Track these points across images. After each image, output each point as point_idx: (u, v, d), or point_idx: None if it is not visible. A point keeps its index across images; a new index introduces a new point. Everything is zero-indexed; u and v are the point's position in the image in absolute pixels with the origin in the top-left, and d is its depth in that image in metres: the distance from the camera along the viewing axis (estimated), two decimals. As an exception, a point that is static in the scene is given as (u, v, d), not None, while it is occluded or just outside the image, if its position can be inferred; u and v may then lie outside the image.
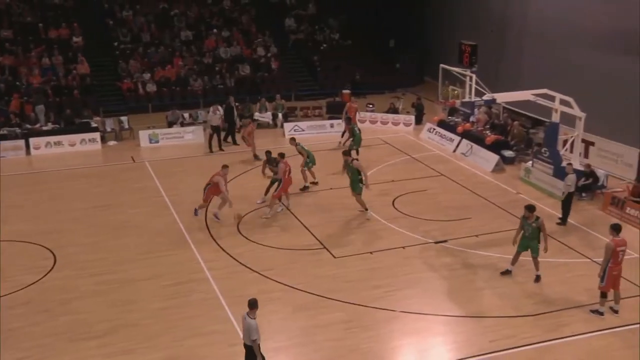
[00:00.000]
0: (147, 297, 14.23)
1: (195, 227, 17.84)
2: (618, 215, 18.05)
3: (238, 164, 23.01)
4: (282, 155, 19.08)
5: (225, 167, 18.28)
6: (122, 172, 22.62)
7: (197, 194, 20.07)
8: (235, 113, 26.02)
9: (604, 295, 13.40)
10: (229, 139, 25.71)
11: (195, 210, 18.40)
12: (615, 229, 13.33)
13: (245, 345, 10.88)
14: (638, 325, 13.06)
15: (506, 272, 15.20)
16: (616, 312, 13.49)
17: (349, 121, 24.34)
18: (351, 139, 23.22)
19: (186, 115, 28.03)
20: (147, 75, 31.36)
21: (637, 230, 17.45)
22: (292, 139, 21.25)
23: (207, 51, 33.42)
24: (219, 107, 25.46)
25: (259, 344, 10.65)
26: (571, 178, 17.70)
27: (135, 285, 14.74)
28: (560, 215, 17.97)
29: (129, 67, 31.70)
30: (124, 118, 27.22)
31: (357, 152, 22.39)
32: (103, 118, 27.44)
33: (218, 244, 16.79)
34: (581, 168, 20.04)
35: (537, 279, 14.89)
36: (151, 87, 30.99)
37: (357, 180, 18.16)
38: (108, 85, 31.44)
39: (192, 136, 26.10)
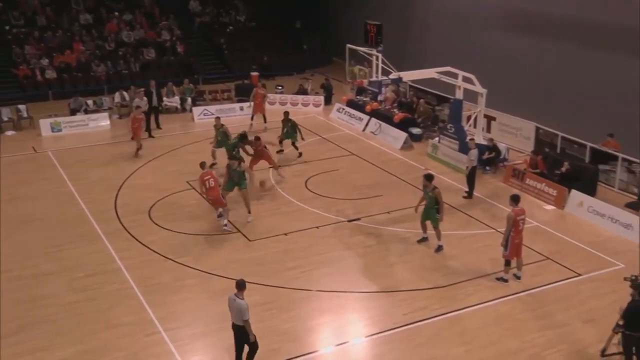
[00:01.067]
0: (58, 292, 13.77)
1: (105, 216, 17.36)
2: (519, 187, 18.96)
3: (160, 148, 22.64)
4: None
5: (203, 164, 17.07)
6: (23, 163, 21.63)
7: (105, 183, 19.60)
8: (155, 98, 25.09)
9: (507, 263, 14.10)
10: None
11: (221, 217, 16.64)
12: (515, 199, 14.00)
13: (236, 326, 10.93)
14: (538, 289, 13.85)
15: (422, 240, 15.75)
16: (519, 278, 14.23)
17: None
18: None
19: (90, 102, 27.10)
20: (45, 61, 29.99)
21: (536, 200, 18.40)
22: (217, 118, 21.47)
23: (108, 35, 32.29)
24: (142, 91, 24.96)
25: (249, 323, 10.72)
26: (473, 153, 18.41)
27: (45, 280, 14.23)
28: (467, 189, 18.67)
29: (24, 52, 30.19)
30: (22, 106, 25.94)
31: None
32: (-1, 107, 26.07)
33: (129, 233, 16.42)
34: (485, 143, 20.87)
35: (438, 248, 15.47)
36: (50, 74, 29.67)
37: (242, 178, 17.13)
38: (2, 72, 29.84)
39: (97, 123, 25.27)
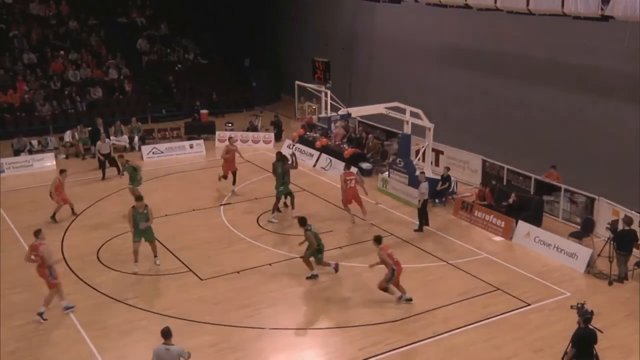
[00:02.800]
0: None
1: (50, 260, 16.84)
2: (468, 219, 19.28)
3: (108, 188, 22.12)
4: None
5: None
6: (-37, 206, 20.93)
7: (51, 224, 19.07)
8: (102, 135, 24.89)
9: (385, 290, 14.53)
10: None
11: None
12: (377, 240, 14.75)
13: None
14: (490, 320, 14.01)
15: (312, 277, 15.80)
16: (410, 300, 14.60)
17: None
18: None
19: (34, 142, 26.52)
20: (-13, 101, 29.31)
21: (485, 232, 18.72)
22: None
23: (54, 74, 31.81)
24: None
25: None
26: (424, 186, 18.68)
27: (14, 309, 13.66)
28: (417, 222, 18.86)
29: (-35, 93, 29.48)
30: (-37, 147, 25.25)
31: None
32: (-62, 148, 25.27)
33: (77, 275, 15.98)
34: (434, 176, 21.25)
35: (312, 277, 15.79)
36: (-7, 114, 29.00)
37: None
38: (-58, 113, 29.02)
39: (42, 164, 24.73)
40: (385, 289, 14.59)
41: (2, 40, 32.61)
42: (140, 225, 15.86)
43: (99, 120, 25.28)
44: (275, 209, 19.47)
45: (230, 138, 23.41)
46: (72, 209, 20.12)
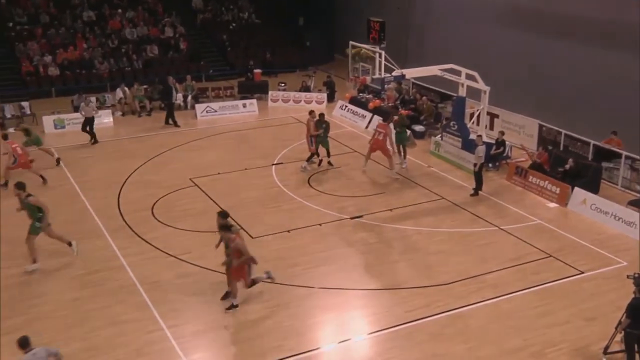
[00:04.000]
0: (60, 289, 13.80)
1: (107, 213, 17.38)
2: (522, 184, 18.92)
3: (162, 145, 22.59)
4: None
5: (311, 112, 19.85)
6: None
7: (108, 180, 19.62)
8: (174, 93, 25.68)
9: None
10: (170, 120, 25.11)
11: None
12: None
13: None
14: (540, 287, 13.82)
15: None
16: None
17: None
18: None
19: (93, 99, 27.07)
20: (48, 58, 30.00)
21: (539, 198, 18.36)
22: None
23: (112, 32, 32.29)
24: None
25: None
26: (481, 149, 18.34)
27: (45, 277, 14.24)
28: (474, 186, 18.59)
29: (27, 49, 30.21)
30: (25, 103, 25.96)
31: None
32: (1, 104, 26.02)
33: (132, 230, 16.44)
34: (488, 140, 20.84)
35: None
36: (53, 71, 29.69)
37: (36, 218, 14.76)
38: (5, 69, 29.85)
39: (100, 120, 25.27)
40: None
41: (63, -3, 33.23)
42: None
43: (170, 78, 25.74)
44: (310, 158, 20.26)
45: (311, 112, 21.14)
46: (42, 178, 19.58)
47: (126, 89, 27.03)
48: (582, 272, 14.40)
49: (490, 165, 20.42)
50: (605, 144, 19.53)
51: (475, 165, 18.48)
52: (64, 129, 24.74)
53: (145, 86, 27.01)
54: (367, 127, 24.66)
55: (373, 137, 20.02)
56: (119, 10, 33.39)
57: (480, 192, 18.56)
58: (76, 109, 25.88)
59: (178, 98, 27.06)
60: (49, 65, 29.73)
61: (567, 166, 18.49)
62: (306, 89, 28.85)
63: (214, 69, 32.65)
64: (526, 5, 24.66)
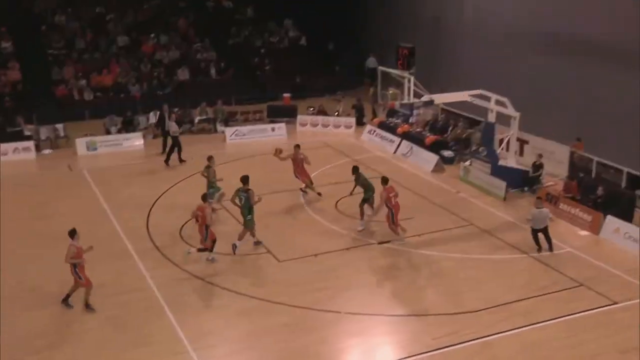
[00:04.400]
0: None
1: (136, 235, 17.54)
2: (553, 211, 18.57)
3: (191, 168, 22.82)
4: (385, 180, 17.15)
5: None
6: (59, 181, 22.02)
7: (137, 201, 19.83)
8: (168, 122, 24.28)
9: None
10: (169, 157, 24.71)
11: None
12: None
13: None
14: (572, 316, 13.53)
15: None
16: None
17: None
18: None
19: (118, 120, 27.45)
20: (83, 82, 30.65)
21: (570, 225, 18.05)
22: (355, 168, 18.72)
23: (144, 56, 32.89)
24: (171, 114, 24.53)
25: None
26: (546, 212, 16.51)
27: (75, 298, 14.35)
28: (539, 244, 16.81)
29: (63, 73, 30.90)
30: (59, 126, 26.46)
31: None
32: (37, 126, 26.56)
33: (160, 252, 16.55)
34: (517, 166, 20.66)
35: (233, 247, 16.05)
36: (88, 95, 30.29)
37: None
38: (41, 92, 30.51)
39: (131, 143, 25.68)
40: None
41: (99, 24, 33.97)
42: None
43: (164, 106, 25.46)
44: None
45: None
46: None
47: (159, 113, 27.35)
48: (615, 303, 14.06)
49: (526, 189, 20.18)
50: (571, 149, 20.52)
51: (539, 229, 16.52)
52: (96, 150, 25.14)
53: (176, 109, 27.27)
54: (395, 152, 24.63)
55: (390, 204, 17.00)
56: (152, 35, 34.02)
57: (510, 219, 18.29)
58: (107, 131, 26.33)
59: (171, 126, 24.00)
60: (83, 89, 30.35)
61: (598, 193, 18.18)
62: (323, 112, 28.85)
63: (244, 93, 32.94)
64: (555, 30, 24.49)
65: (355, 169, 18.44)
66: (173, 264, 15.90)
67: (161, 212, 19.23)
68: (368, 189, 18.06)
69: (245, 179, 16.59)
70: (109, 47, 33.03)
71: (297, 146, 20.40)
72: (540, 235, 16.43)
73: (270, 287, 14.71)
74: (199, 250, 15.96)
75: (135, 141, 25.92)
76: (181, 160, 23.75)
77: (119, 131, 26.47)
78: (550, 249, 16.45)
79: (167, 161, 23.63)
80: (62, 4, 34.14)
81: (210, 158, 19.25)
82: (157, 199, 20.15)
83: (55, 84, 30.48)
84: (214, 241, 15.88)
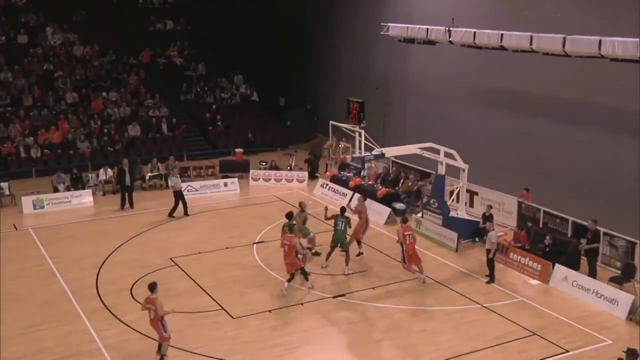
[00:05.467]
0: (32, 375, 13.35)
1: (85, 295, 17.04)
2: (503, 261, 18.93)
3: (143, 225, 22.50)
4: (404, 220, 18.45)
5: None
6: (2, 241, 21.29)
7: (87, 260, 19.34)
8: (127, 176, 24.75)
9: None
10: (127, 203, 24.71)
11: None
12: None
13: None
14: (528, 366, 13.65)
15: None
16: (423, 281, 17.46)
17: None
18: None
19: (67, 178, 26.95)
20: (30, 139, 30.12)
21: (520, 275, 18.35)
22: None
23: (94, 113, 32.63)
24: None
25: None
26: (494, 235, 17.77)
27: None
28: (487, 273, 17.98)
29: (9, 130, 30.34)
30: (4, 184, 25.74)
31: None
32: (-20, 184, 25.84)
33: (110, 312, 16.09)
34: (468, 217, 21.01)
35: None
36: (35, 152, 29.75)
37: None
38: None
39: (80, 200, 25.19)
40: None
41: (48, 81, 33.67)
42: None
43: (124, 160, 25.46)
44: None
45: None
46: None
47: (109, 169, 27.06)
48: (567, 351, 14.26)
49: (477, 239, 20.52)
50: (519, 199, 21.15)
51: (488, 251, 17.79)
52: (43, 209, 24.54)
53: (115, 168, 26.70)
54: (348, 205, 24.77)
55: (404, 242, 17.75)
56: (103, 93, 33.85)
57: (460, 269, 18.51)
58: (55, 189, 25.79)
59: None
60: (30, 147, 29.81)
61: (546, 242, 18.61)
62: (275, 167, 29.01)
63: (195, 149, 32.93)
64: (500, 86, 25.44)
65: (289, 215, 18.59)
66: (123, 323, 15.46)
67: (112, 270, 18.79)
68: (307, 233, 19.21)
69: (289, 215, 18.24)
70: (57, 103, 32.67)
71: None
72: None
73: (224, 345, 14.41)
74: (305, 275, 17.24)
75: (85, 198, 25.44)
76: (186, 214, 23.73)
77: (68, 188, 25.92)
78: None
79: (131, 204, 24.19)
80: (9, 61, 33.77)
81: (301, 204, 19.68)
82: (108, 257, 19.70)
83: (1, 142, 29.86)
84: (297, 269, 17.02)
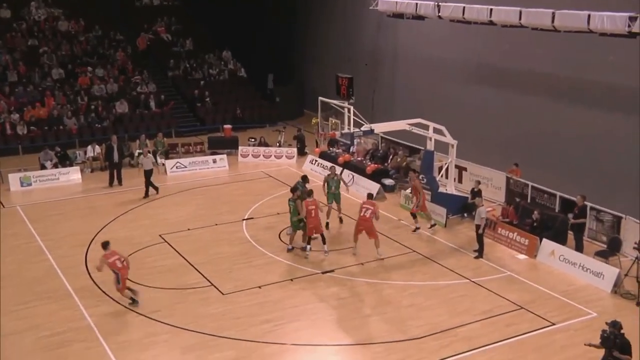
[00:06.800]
0: (23, 352, 13.37)
1: (75, 272, 17.03)
2: (491, 237, 19.06)
3: (131, 202, 22.42)
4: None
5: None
6: (-10, 218, 21.22)
7: (75, 237, 19.30)
8: (116, 153, 24.55)
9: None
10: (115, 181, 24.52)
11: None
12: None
13: None
14: (514, 339, 13.82)
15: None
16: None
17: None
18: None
19: (53, 154, 26.78)
20: (15, 116, 29.82)
21: (508, 249, 18.51)
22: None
23: (81, 89, 32.31)
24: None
25: None
26: (483, 210, 17.85)
27: (8, 340, 13.79)
28: (476, 248, 18.10)
29: (-6, 107, 30.06)
30: (-10, 161, 25.63)
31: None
32: (-34, 162, 25.67)
33: (100, 288, 16.09)
34: (457, 192, 21.11)
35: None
36: (21, 129, 29.46)
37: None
38: (-28, 127, 29.56)
39: (68, 177, 25.06)
40: None
41: (32, 56, 33.24)
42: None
43: (113, 137, 25.30)
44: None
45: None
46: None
47: (97, 146, 26.89)
48: (554, 324, 14.45)
49: (465, 215, 20.62)
50: (508, 174, 21.32)
51: (477, 227, 17.87)
52: (31, 186, 24.40)
53: (103, 145, 26.49)
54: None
55: (359, 214, 17.99)
56: (89, 68, 33.49)
57: (449, 244, 18.64)
58: (43, 166, 25.63)
59: (116, 158, 24.65)
60: (16, 123, 29.53)
61: (534, 217, 18.75)
62: (265, 144, 28.92)
63: (183, 125, 32.76)
64: (489, 61, 25.43)
65: (294, 189, 18.82)
66: (113, 300, 15.48)
67: (100, 247, 18.70)
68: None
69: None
70: (42, 80, 32.31)
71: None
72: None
73: (214, 321, 14.48)
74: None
75: (73, 175, 25.30)
76: (146, 195, 23.23)
77: (55, 165, 25.74)
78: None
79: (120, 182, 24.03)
80: (-7, 36, 33.36)
81: (305, 177, 19.97)
82: (97, 234, 19.65)
83: (-14, 119, 29.57)
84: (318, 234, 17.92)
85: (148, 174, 23.23)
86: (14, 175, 24.48)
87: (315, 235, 18.02)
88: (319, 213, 17.91)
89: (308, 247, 17.88)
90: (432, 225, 19.95)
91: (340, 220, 20.59)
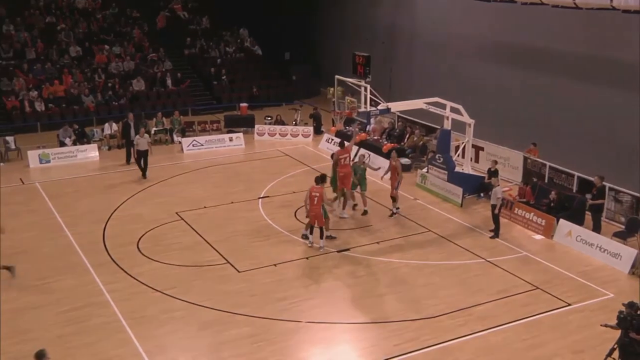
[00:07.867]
0: (43, 326, 13.58)
1: (93, 248, 17.22)
2: (508, 217, 18.98)
3: (148, 180, 22.56)
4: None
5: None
6: (9, 195, 21.44)
7: (93, 214, 19.48)
8: (133, 131, 24.51)
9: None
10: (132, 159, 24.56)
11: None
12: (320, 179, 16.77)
13: None
14: (529, 319, 13.80)
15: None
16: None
17: None
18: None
19: (74, 131, 26.93)
20: (34, 93, 29.99)
21: (525, 230, 18.43)
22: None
23: (98, 67, 32.41)
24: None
25: None
26: (499, 190, 17.83)
27: (29, 314, 14.02)
28: (492, 228, 18.05)
29: (13, 84, 30.20)
30: (9, 138, 25.78)
31: None
32: (-14, 138, 25.88)
33: (118, 265, 16.27)
34: (473, 172, 20.99)
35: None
36: (39, 106, 29.66)
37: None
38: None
39: (86, 155, 25.24)
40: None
41: (50, 34, 33.35)
42: None
43: (130, 114, 25.35)
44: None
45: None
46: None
47: (114, 124, 27.01)
48: (570, 304, 14.41)
49: (482, 195, 20.52)
50: (526, 154, 21.20)
51: (493, 207, 17.78)
52: (49, 163, 24.61)
53: (119, 122, 26.55)
54: (353, 160, 24.72)
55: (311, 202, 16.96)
56: (106, 46, 33.54)
57: (464, 224, 18.58)
58: (62, 143, 25.81)
59: (132, 135, 24.23)
60: (34, 101, 29.71)
61: (551, 197, 18.62)
62: (281, 122, 28.84)
63: (200, 103, 32.78)
64: (508, 40, 25.09)
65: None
66: (130, 276, 15.65)
67: (118, 224, 18.92)
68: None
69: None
70: (60, 57, 32.42)
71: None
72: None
73: (230, 299, 14.60)
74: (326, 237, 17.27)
75: (91, 152, 25.47)
76: (144, 176, 22.96)
77: (74, 142, 25.92)
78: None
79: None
80: (11, 13, 33.39)
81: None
82: (114, 211, 19.82)
83: (5, 95, 29.76)
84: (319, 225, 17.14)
85: (142, 154, 22.78)
86: (33, 152, 24.70)
87: (316, 226, 17.13)
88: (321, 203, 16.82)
89: (310, 236, 17.30)
90: (392, 214, 19.55)
91: (364, 213, 19.55)
